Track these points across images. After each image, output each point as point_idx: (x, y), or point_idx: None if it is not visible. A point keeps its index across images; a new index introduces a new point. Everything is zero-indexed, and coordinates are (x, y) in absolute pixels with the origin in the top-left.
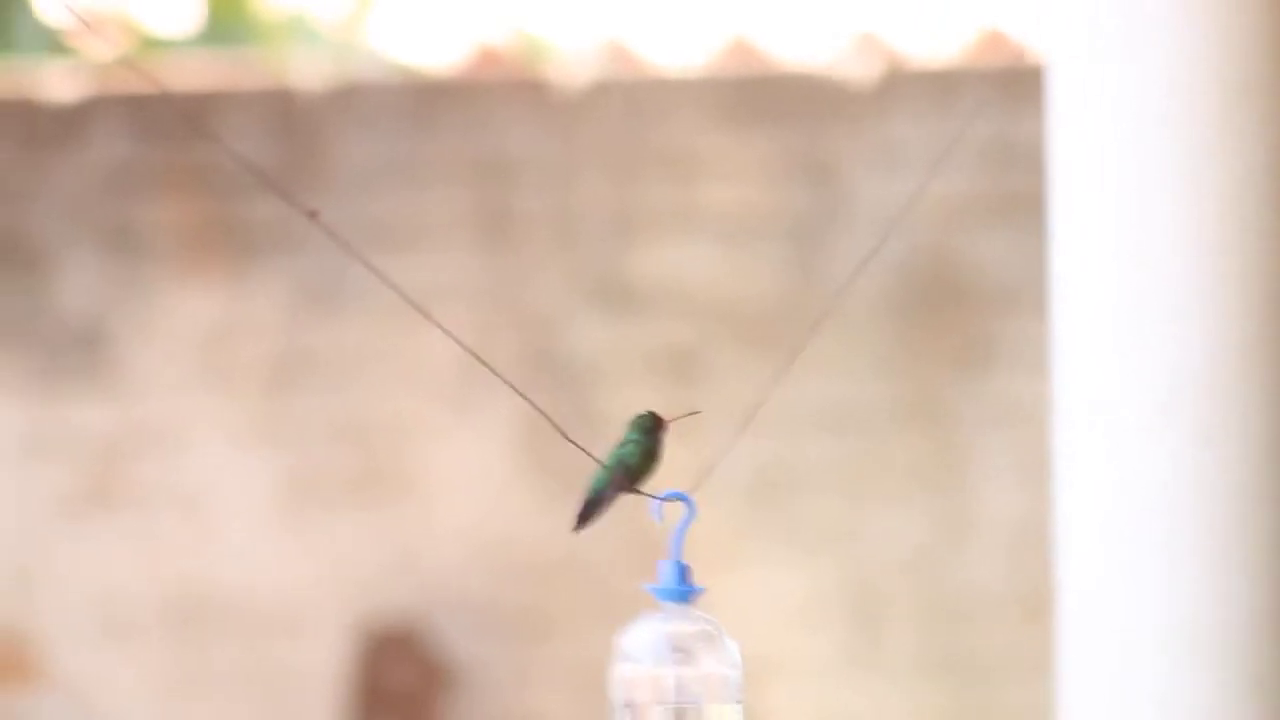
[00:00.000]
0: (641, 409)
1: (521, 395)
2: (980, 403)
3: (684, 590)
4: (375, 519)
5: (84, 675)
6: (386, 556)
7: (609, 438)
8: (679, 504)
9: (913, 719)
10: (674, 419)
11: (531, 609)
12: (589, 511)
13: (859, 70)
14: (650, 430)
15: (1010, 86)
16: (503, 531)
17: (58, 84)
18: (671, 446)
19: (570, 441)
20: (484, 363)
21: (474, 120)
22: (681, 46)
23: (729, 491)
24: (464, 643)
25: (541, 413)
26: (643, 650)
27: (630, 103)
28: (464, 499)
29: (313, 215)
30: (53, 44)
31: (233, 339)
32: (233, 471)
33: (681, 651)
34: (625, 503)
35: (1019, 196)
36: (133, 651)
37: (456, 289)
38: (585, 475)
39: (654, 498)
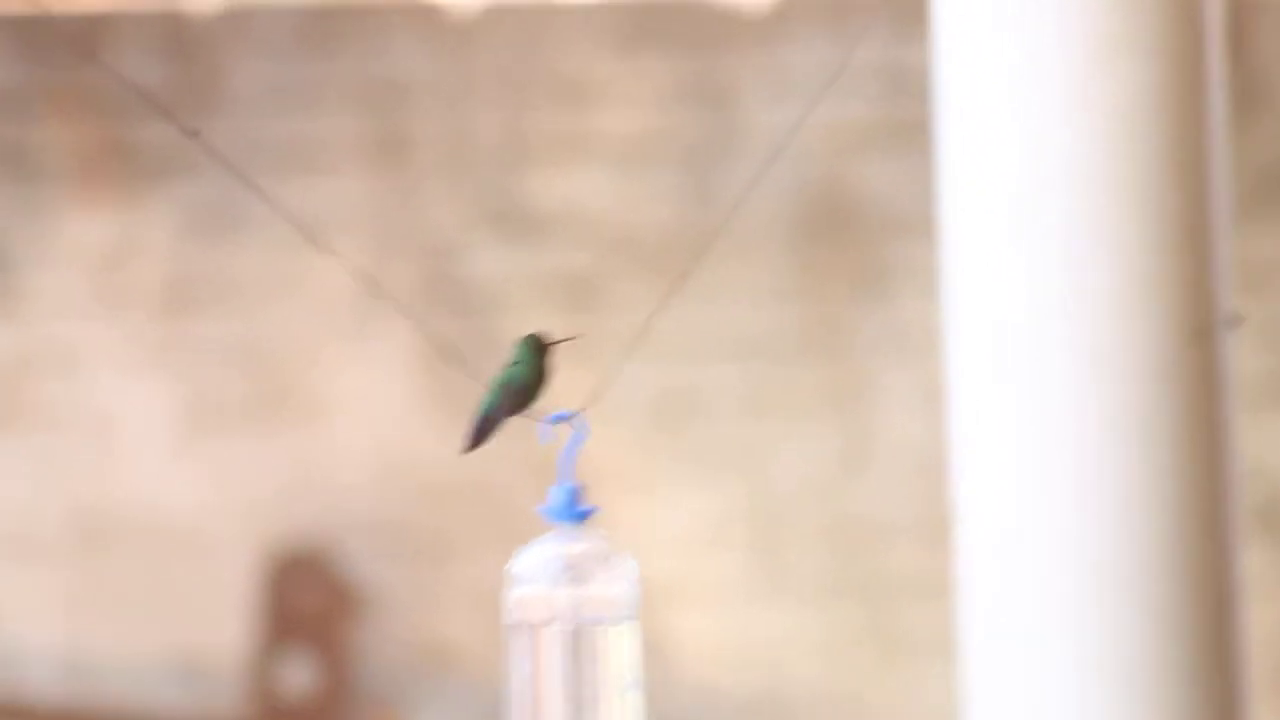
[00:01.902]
0: (530, 331)
1: (409, 316)
2: (880, 327)
3: (576, 511)
4: (276, 442)
5: None
6: (288, 479)
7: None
8: (569, 425)
9: (817, 641)
10: (557, 341)
11: (434, 531)
12: (479, 433)
13: None
14: (536, 351)
15: (904, 13)
16: (404, 454)
17: None
18: (568, 369)
19: (456, 363)
20: (380, 290)
21: (368, 44)
22: None
23: (633, 416)
24: (368, 565)
25: (426, 334)
26: (536, 571)
27: (525, 27)
28: (364, 422)
29: (194, 135)
30: None
31: (130, 262)
32: (134, 393)
33: (575, 571)
34: (527, 424)
35: (914, 122)
36: (35, 573)
37: (352, 213)
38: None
39: (543, 419)
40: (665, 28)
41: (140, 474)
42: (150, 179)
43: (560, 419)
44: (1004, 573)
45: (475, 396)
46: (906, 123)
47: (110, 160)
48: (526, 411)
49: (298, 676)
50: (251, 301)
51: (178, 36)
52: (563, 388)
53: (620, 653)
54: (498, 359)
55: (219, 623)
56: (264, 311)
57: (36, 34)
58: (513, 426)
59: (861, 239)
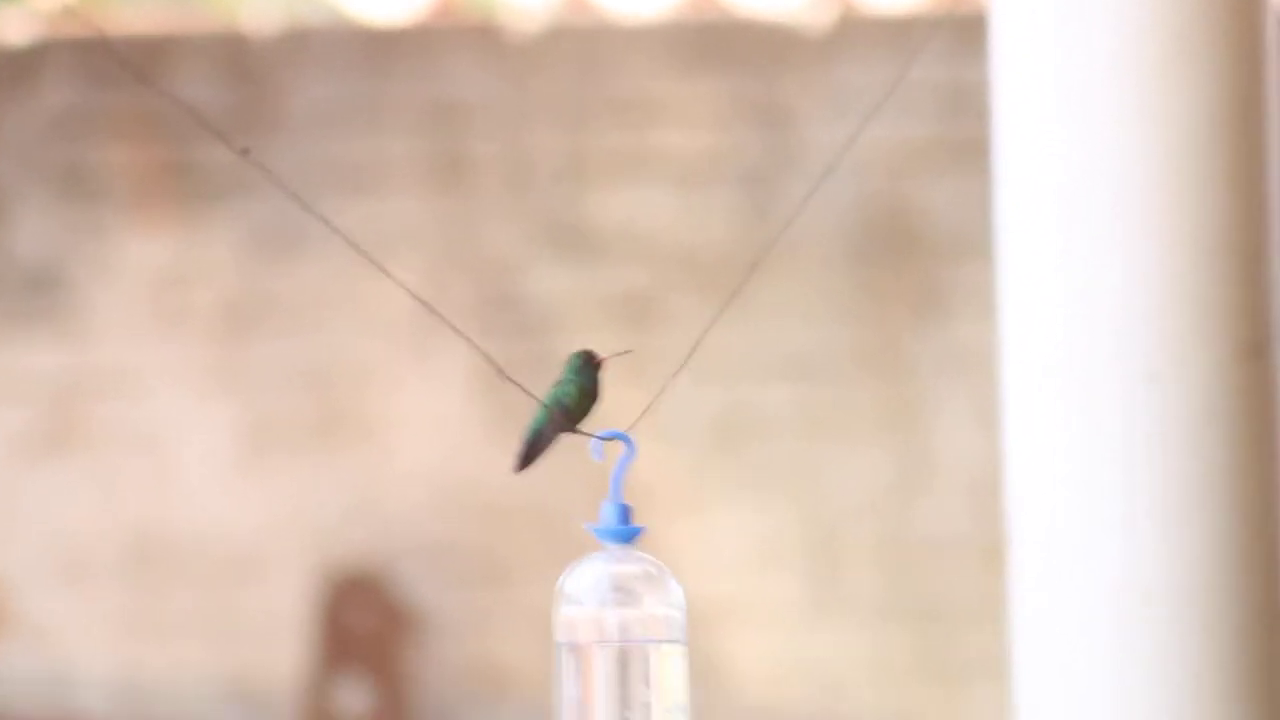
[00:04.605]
0: (580, 348)
1: (463, 336)
2: (938, 347)
3: (625, 530)
4: (334, 463)
5: (43, 619)
6: (346, 501)
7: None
8: (620, 443)
9: (872, 663)
10: (608, 357)
11: (491, 552)
12: (529, 452)
13: (814, 17)
14: (585, 369)
15: (965, 32)
16: (462, 475)
17: (10, 28)
18: (623, 388)
19: (509, 380)
20: (429, 306)
21: (428, 65)
22: None
23: (689, 436)
24: (424, 587)
25: (481, 351)
26: (584, 592)
27: (584, 48)
28: (423, 443)
29: (244, 153)
30: None
31: (189, 283)
32: (191, 415)
33: (623, 592)
34: (584, 444)
35: (974, 142)
36: (92, 595)
37: (412, 234)
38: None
39: (593, 436)
40: (724, 47)
41: (196, 496)
42: (209, 200)
43: (609, 437)
44: (1056, 594)
45: (531, 416)
46: (966, 141)
47: (169, 181)
48: (578, 430)
49: (353, 700)
50: (310, 322)
51: (238, 58)
52: (618, 406)
53: (668, 675)
54: (555, 378)
55: (274, 646)
56: (323, 332)
57: (96, 56)
58: (569, 445)
59: (919, 258)
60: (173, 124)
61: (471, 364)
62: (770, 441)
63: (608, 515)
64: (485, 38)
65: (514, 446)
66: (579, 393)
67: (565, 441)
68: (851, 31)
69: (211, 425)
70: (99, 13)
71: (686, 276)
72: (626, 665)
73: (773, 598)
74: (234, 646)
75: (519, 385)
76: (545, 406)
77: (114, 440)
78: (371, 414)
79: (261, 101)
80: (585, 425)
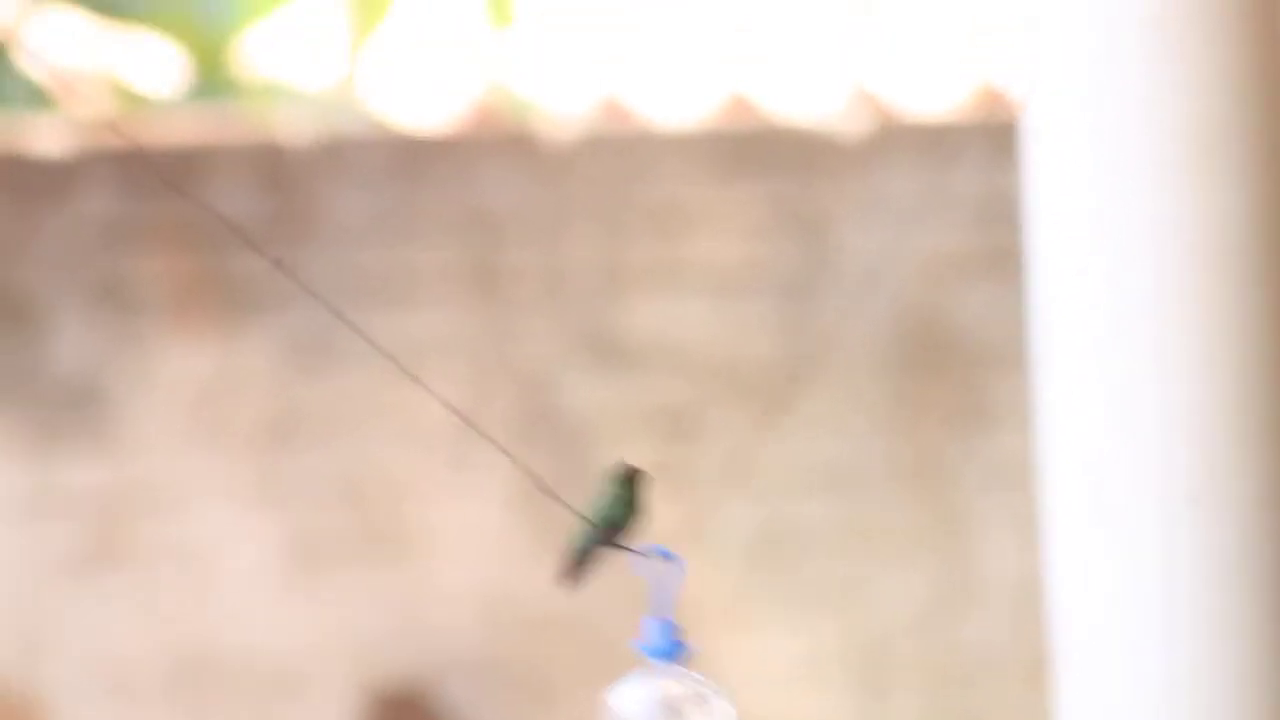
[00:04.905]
0: (620, 461)
1: (502, 449)
2: (979, 461)
3: (673, 648)
4: (375, 579)
5: None
6: (388, 617)
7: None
8: (667, 562)
9: None
10: (645, 470)
11: (535, 668)
12: (573, 568)
13: (851, 125)
14: (626, 481)
15: (1003, 141)
16: (504, 589)
17: (47, 138)
18: (664, 502)
19: (551, 495)
20: (467, 420)
21: (463, 174)
22: (679, 102)
23: (728, 552)
24: (468, 704)
25: (521, 466)
26: (632, 710)
27: (620, 157)
28: (464, 557)
29: (277, 263)
30: (40, 99)
31: (229, 395)
32: (233, 530)
33: (672, 711)
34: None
35: (1013, 252)
36: (136, 713)
37: (448, 344)
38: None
39: (640, 551)
40: (761, 155)
41: (239, 613)
42: (248, 311)
43: (660, 554)
44: (1100, 711)
45: (573, 530)
46: (1006, 252)
47: (208, 292)
48: (621, 544)
49: None
50: (350, 435)
51: (273, 168)
52: (657, 520)
53: None
54: (596, 491)
55: None
56: (362, 445)
57: (132, 168)
58: (615, 559)
59: (960, 370)
60: (210, 235)
61: (512, 476)
62: (810, 557)
63: (654, 633)
64: (520, 146)
65: (556, 561)
66: (622, 506)
67: (610, 555)
68: (889, 140)
69: (253, 540)
70: (135, 124)
71: (724, 388)
72: None
73: (814, 717)
74: None
75: (559, 499)
76: (588, 521)
77: (157, 556)
78: (412, 528)
79: (298, 211)
80: (628, 538)
